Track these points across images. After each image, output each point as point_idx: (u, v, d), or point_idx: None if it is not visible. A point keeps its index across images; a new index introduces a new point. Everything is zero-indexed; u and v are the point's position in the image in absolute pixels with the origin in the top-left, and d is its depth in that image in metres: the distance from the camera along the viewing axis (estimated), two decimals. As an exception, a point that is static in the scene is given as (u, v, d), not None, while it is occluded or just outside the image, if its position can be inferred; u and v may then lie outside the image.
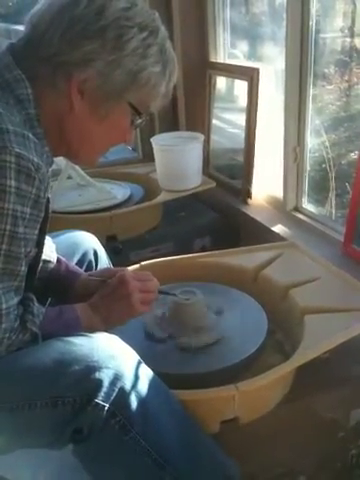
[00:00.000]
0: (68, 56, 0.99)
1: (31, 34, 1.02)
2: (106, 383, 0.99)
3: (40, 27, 1.00)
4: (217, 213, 2.39)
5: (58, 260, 1.32)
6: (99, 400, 0.98)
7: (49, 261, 1.30)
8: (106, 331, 1.11)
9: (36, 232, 1.00)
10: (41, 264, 1.23)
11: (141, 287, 1.18)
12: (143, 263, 1.62)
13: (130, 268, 1.42)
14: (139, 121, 1.11)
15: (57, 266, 1.31)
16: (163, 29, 1.07)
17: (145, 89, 1.06)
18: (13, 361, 0.99)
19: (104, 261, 1.49)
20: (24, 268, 0.98)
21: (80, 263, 1.42)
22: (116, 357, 1.02)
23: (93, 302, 1.16)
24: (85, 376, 0.98)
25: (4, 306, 0.94)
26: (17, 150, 0.89)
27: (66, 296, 1.27)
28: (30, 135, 0.95)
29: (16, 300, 0.98)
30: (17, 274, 0.97)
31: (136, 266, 1.59)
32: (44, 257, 1.26)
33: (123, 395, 1.00)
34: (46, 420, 0.99)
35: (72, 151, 1.11)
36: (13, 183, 0.89)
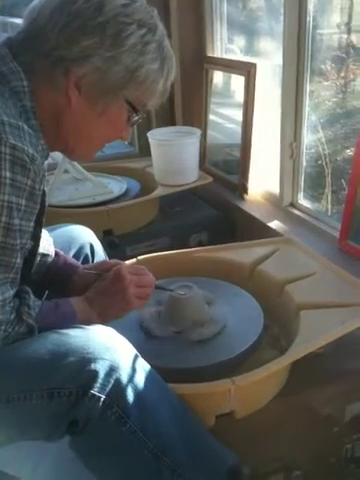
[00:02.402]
0: (66, 51, 0.99)
1: (29, 28, 1.02)
2: (102, 374, 0.99)
3: (39, 22, 1.00)
4: (213, 208, 2.39)
5: (56, 253, 1.32)
6: (95, 391, 0.98)
7: (47, 255, 1.30)
8: (102, 324, 1.12)
9: (31, 224, 1.00)
10: (39, 258, 1.23)
11: (137, 281, 1.18)
12: (139, 257, 1.62)
13: (127, 262, 1.41)
14: (136, 118, 1.11)
15: (55, 259, 1.31)
16: (161, 26, 1.07)
17: (143, 86, 1.06)
18: (9, 353, 0.99)
19: (100, 255, 1.50)
20: (19, 260, 0.99)
21: (76, 257, 1.42)
22: (112, 348, 1.02)
23: (89, 296, 1.16)
24: (81, 367, 0.98)
25: (0, 298, 0.94)
26: (12, 141, 0.89)
27: (64, 289, 1.27)
28: (25, 127, 0.95)
29: (12, 292, 0.98)
30: (12, 266, 0.97)
31: (133, 260, 1.59)
32: (42, 251, 1.26)
33: (119, 386, 1.00)
34: (42, 412, 0.99)
35: (69, 146, 1.11)
36: (8, 174, 0.89)
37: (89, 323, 1.09)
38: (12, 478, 1.18)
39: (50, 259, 1.30)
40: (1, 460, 1.12)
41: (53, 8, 0.99)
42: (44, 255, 1.28)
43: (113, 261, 1.30)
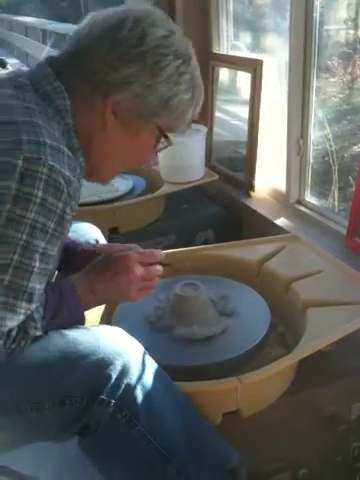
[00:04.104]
0: (108, 77, 1.01)
1: (73, 51, 1.04)
2: (113, 379, 0.99)
3: (83, 46, 1.03)
4: (220, 206, 2.39)
5: None
6: (105, 396, 0.98)
7: None
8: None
9: (57, 248, 0.97)
10: None
11: (144, 275, 1.16)
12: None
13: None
14: (161, 145, 1.13)
15: None
16: (194, 57, 1.10)
17: (174, 114, 1.08)
18: (18, 364, 0.98)
19: (106, 253, 1.49)
20: (36, 285, 0.94)
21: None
22: (122, 352, 1.02)
23: (92, 283, 1.12)
24: (92, 374, 0.98)
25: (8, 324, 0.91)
26: (50, 162, 0.90)
27: (69, 261, 1.27)
28: (65, 149, 0.96)
29: (15, 323, 0.93)
30: (24, 291, 0.92)
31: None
32: None
33: (129, 390, 1.01)
34: (54, 419, 1.00)
35: (91, 166, 1.11)
36: (40, 193, 0.88)
37: (87, 309, 1.11)
38: (19, 475, 1.19)
39: None
40: (7, 457, 1.13)
41: (99, 34, 1.02)
42: None
43: (125, 246, 1.27)
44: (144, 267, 1.16)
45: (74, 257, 1.29)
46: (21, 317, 0.93)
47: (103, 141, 1.07)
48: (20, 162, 0.87)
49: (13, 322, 0.92)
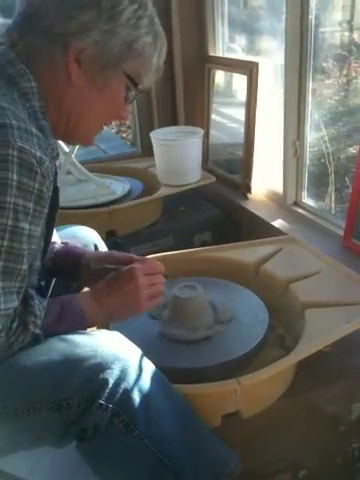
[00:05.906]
0: (64, 27, 0.99)
1: (26, 9, 1.02)
2: (110, 384, 0.99)
3: (34, 2, 1.01)
4: (217, 208, 2.39)
5: (64, 242, 1.33)
6: (103, 401, 0.98)
7: (54, 242, 1.29)
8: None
9: (39, 229, 0.98)
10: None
11: (149, 282, 1.16)
12: (143, 258, 1.61)
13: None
14: (133, 93, 1.11)
15: (63, 245, 1.32)
16: (150, 4, 1.08)
17: (139, 60, 1.06)
18: (16, 366, 0.98)
19: (105, 256, 1.49)
20: (25, 267, 0.95)
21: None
22: (120, 357, 1.02)
23: (98, 295, 1.13)
24: (89, 378, 0.98)
25: (2, 307, 0.91)
26: (19, 144, 0.88)
27: (73, 272, 1.27)
28: (33, 130, 0.95)
29: (16, 303, 0.95)
30: (18, 273, 0.93)
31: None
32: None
33: (127, 394, 1.00)
34: (51, 423, 0.99)
35: (70, 126, 1.09)
36: (15, 177, 0.88)
37: (96, 323, 1.10)
38: (13, 477, 1.18)
39: (57, 245, 1.31)
40: (1, 460, 1.12)
41: None
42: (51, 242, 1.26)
43: (126, 256, 1.27)
44: (148, 276, 1.16)
45: (76, 266, 1.28)
46: (19, 296, 0.95)
47: (73, 96, 1.05)
48: None
49: (14, 303, 0.93)
